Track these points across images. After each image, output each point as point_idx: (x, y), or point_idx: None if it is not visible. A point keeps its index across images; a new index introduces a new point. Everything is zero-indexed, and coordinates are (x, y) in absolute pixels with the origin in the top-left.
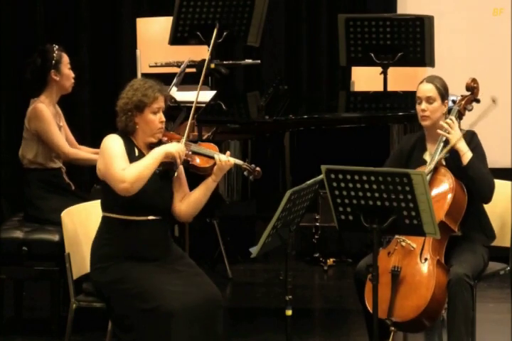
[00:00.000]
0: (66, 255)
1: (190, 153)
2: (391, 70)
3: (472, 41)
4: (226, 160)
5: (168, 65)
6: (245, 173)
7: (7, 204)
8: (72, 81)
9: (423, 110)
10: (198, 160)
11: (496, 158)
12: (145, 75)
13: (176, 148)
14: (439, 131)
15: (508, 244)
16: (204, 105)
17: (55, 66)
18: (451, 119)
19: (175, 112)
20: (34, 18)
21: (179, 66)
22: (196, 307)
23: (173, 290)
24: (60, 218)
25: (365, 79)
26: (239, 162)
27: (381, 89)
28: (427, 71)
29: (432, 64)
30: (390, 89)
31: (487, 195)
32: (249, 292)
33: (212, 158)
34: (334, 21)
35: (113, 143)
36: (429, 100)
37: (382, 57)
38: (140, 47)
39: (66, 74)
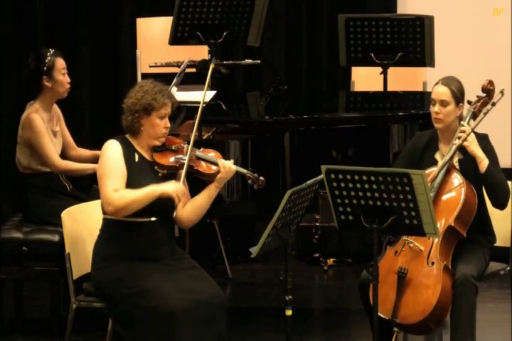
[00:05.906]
0: (66, 255)
1: (194, 158)
2: (391, 70)
3: (472, 41)
4: (229, 167)
5: (168, 65)
6: (249, 182)
7: (7, 204)
8: (67, 86)
9: (436, 113)
10: (203, 166)
11: None
12: (145, 75)
13: (174, 188)
14: (455, 142)
15: (508, 244)
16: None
17: (47, 72)
18: (465, 125)
19: (175, 112)
20: (34, 18)
21: (179, 66)
22: (199, 307)
23: (175, 289)
24: (57, 221)
25: (365, 79)
26: (243, 170)
27: (381, 89)
28: (426, 71)
29: (432, 64)
30: (390, 89)
31: (504, 202)
32: (249, 292)
33: (216, 164)
34: (334, 21)
35: (111, 154)
36: (443, 103)
37: (382, 57)
38: (140, 47)
39: (59, 80)
